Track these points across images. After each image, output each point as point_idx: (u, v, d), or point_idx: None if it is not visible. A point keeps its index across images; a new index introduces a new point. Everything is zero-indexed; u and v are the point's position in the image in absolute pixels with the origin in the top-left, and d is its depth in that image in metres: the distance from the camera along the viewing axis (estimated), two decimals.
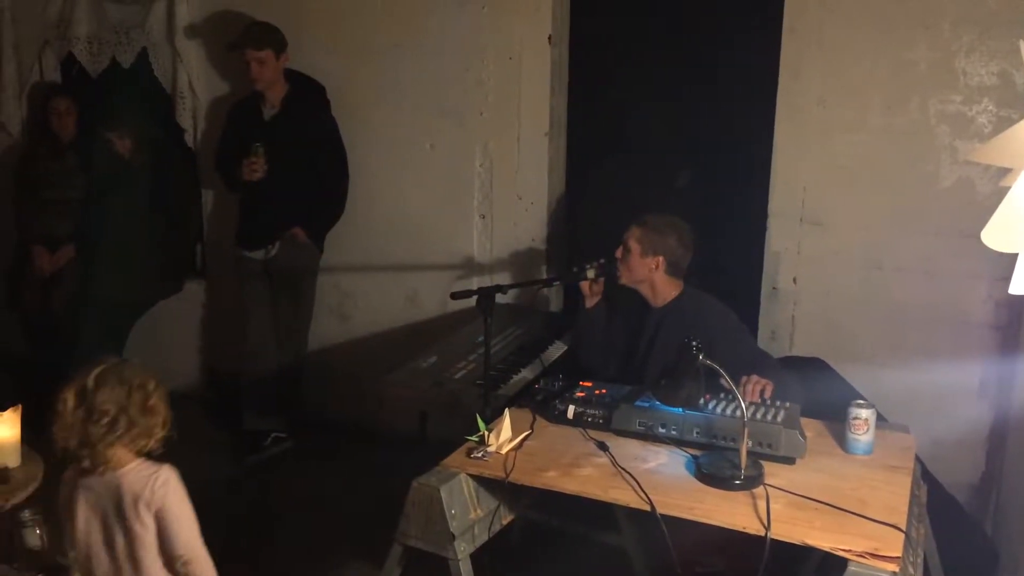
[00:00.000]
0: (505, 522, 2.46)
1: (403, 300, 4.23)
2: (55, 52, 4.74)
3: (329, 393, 4.36)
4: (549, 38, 3.76)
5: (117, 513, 1.99)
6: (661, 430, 2.44)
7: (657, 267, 2.91)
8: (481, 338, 3.16)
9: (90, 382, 1.95)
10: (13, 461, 2.61)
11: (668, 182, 3.98)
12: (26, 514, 2.75)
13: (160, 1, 4.36)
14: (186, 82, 4.42)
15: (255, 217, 4.08)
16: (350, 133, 4.10)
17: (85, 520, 2.03)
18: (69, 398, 1.95)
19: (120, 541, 2.00)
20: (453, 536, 2.22)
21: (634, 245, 2.91)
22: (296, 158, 3.97)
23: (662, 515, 2.10)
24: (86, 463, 1.97)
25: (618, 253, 2.95)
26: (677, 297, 2.95)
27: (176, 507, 1.98)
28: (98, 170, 4.45)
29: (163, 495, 1.96)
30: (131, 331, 4.64)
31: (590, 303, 3.13)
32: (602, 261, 2.99)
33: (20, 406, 2.65)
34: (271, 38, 3.90)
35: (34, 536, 2.77)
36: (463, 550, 2.25)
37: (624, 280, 2.97)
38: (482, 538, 2.36)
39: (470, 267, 4.06)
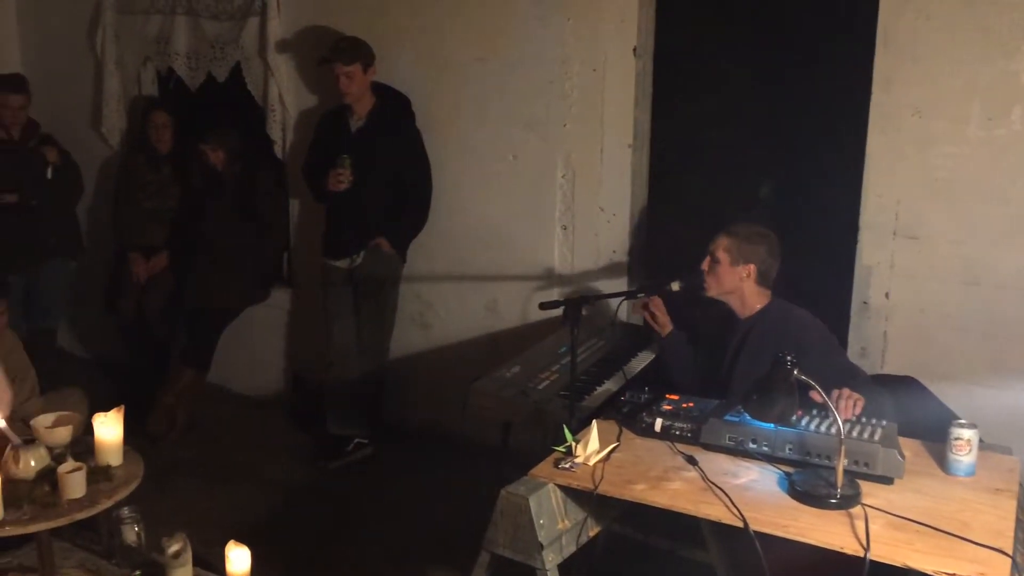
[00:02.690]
0: (592, 534, 2.45)
1: (483, 310, 4.25)
2: (155, 67, 4.93)
3: (410, 401, 4.42)
4: (634, 50, 3.74)
5: None
6: (752, 445, 2.40)
7: (748, 276, 2.87)
8: (563, 348, 3.16)
9: None
10: (116, 460, 2.70)
11: (751, 194, 3.92)
12: (125, 511, 2.85)
13: (254, 17, 4.49)
14: (276, 95, 4.53)
15: (341, 227, 4.16)
16: (434, 145, 4.16)
17: None
18: None
19: None
20: (542, 546, 2.22)
21: (723, 255, 2.88)
22: (382, 169, 4.04)
23: (755, 532, 2.07)
24: None
25: (705, 265, 2.92)
26: (765, 307, 2.90)
27: None
28: (192, 181, 4.62)
29: None
30: (220, 337, 4.77)
31: (664, 332, 3.13)
32: (684, 275, 2.98)
33: (123, 407, 2.74)
34: (359, 52, 3.98)
35: (132, 533, 2.88)
36: (551, 560, 2.25)
37: (712, 292, 2.93)
38: (569, 549, 2.35)
39: (551, 278, 4.07)
